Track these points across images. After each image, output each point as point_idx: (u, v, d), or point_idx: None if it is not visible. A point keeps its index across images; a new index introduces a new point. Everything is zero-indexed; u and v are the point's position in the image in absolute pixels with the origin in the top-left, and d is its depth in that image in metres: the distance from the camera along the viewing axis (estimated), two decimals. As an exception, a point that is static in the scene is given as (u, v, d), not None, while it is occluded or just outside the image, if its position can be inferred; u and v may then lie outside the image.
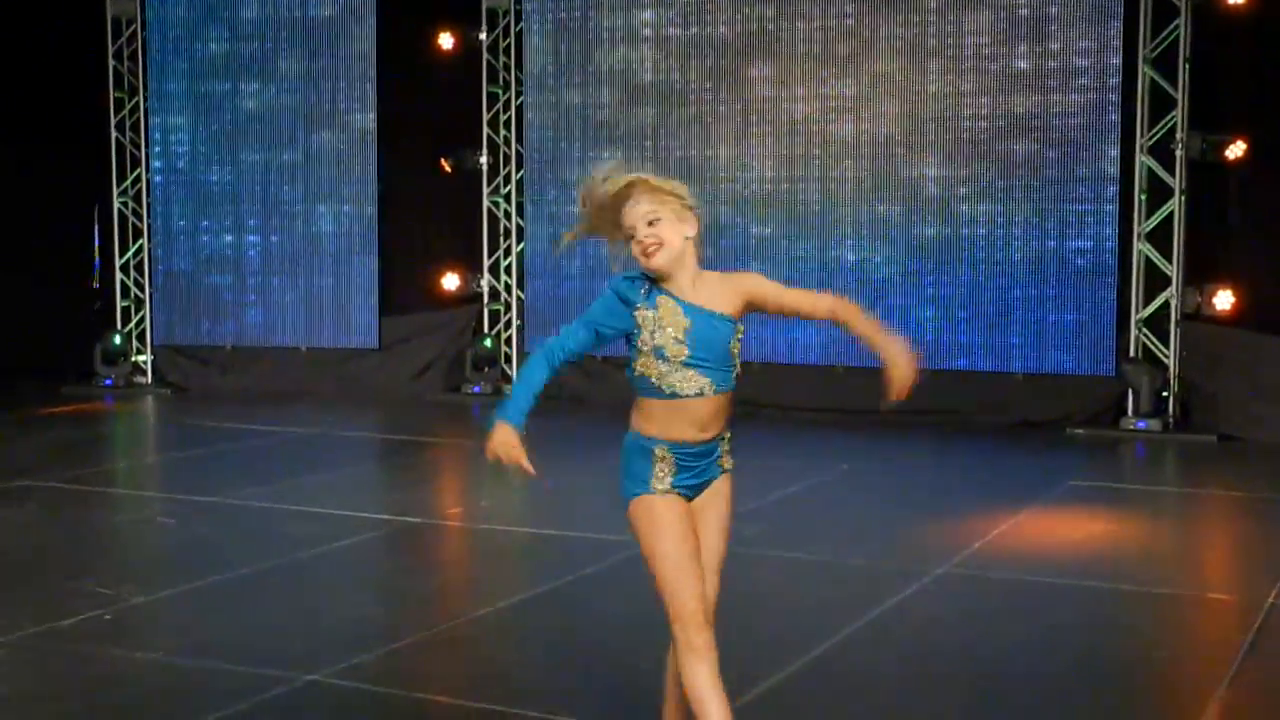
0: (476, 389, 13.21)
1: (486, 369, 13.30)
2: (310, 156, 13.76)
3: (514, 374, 13.14)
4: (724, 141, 12.68)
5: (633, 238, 3.89)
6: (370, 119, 13.58)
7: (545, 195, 13.28)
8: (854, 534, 8.07)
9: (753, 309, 3.99)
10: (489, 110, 13.51)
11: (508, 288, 13.59)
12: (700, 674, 3.87)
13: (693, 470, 3.97)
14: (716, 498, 4.04)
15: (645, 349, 3.89)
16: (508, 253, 13.58)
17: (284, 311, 13.95)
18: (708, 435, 3.96)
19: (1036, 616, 6.41)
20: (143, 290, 14.25)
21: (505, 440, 3.88)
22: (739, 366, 3.99)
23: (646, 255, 3.86)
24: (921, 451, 10.92)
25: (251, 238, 13.96)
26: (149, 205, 14.15)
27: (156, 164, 14.08)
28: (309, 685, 5.43)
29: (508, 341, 13.56)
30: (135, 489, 9.63)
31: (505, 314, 13.60)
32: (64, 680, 5.55)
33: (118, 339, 14.02)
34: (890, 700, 5.37)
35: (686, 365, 3.86)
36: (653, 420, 3.94)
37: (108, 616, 6.28)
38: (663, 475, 3.95)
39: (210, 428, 11.88)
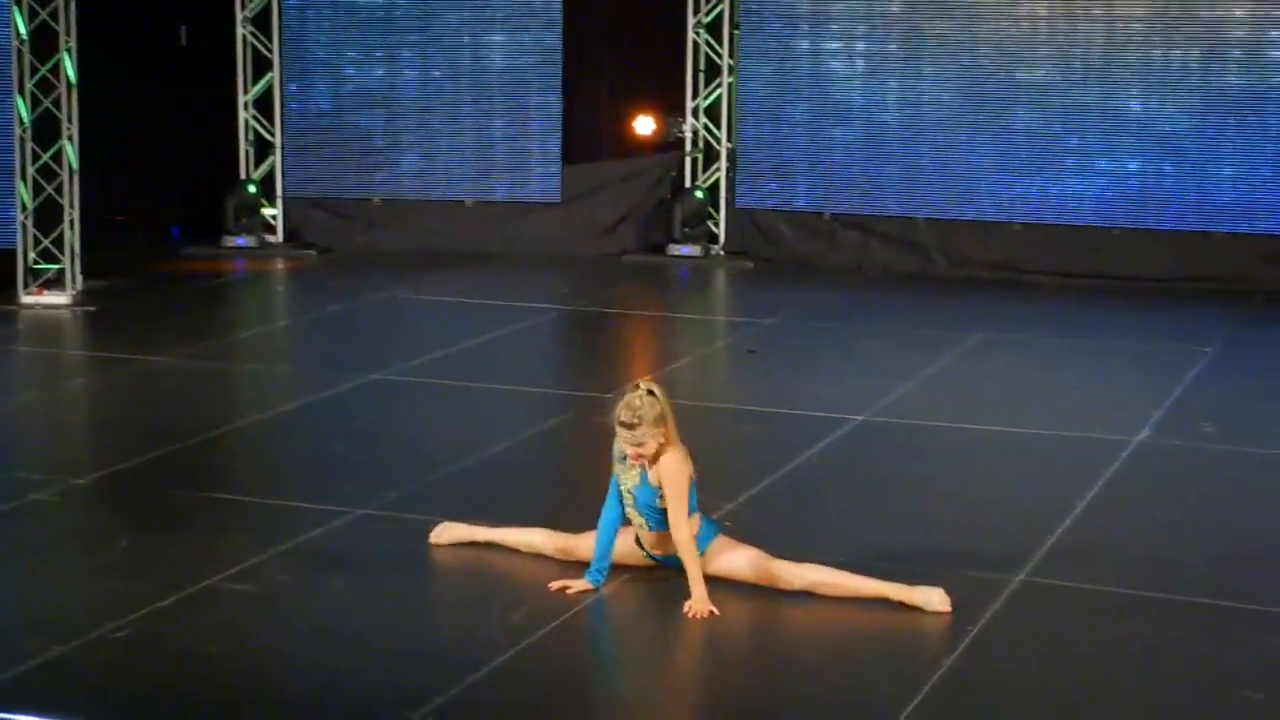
0: (684, 250, 12.48)
1: (696, 226, 12.56)
2: (480, -25, 12.92)
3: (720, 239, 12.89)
4: (983, -29, 12.14)
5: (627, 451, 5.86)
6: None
7: (766, 28, 12.53)
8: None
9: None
10: (693, -72, 12.72)
11: (711, 133, 12.80)
12: None
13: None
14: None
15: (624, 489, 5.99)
16: (713, 93, 12.80)
17: (446, 159, 13.23)
18: (658, 552, 5.87)
19: None
20: (271, 134, 13.19)
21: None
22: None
23: (637, 460, 5.80)
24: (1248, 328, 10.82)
25: (409, 71, 13.02)
26: (279, 32, 13.05)
27: (290, -17, 13.06)
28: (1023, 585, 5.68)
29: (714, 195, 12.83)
30: (468, 379, 9.00)
31: (713, 164, 12.83)
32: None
33: (251, 188, 12.97)
34: None
35: (632, 507, 5.88)
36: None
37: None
38: None
39: (443, 303, 11.39)
